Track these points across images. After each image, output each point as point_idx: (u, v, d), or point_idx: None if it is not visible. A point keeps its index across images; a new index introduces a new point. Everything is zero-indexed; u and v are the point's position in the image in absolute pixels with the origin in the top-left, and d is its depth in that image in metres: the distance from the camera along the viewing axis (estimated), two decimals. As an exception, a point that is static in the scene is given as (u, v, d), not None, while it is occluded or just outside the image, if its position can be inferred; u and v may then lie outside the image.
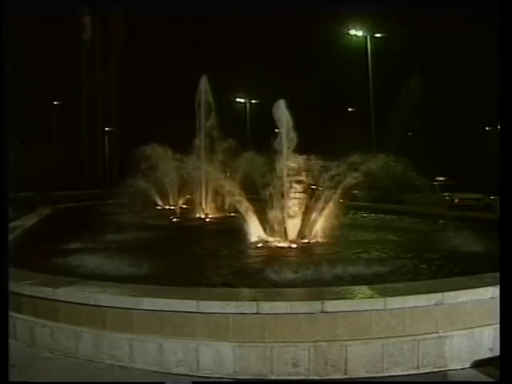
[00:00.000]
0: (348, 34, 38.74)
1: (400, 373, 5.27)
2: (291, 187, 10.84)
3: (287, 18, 48.86)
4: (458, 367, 5.35)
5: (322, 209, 10.86)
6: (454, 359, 5.37)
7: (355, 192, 17.66)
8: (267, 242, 10.54)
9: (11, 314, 5.79)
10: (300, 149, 11.20)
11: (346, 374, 5.24)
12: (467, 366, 5.37)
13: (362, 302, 5.41)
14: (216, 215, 17.96)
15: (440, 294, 5.45)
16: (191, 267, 8.35)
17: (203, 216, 18.02)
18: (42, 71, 41.96)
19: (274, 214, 10.75)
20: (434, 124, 37.00)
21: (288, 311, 5.32)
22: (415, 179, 11.03)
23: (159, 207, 21.49)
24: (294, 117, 11.39)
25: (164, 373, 5.38)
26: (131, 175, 17.34)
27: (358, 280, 6.96)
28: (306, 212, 10.82)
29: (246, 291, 5.91)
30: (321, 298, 5.43)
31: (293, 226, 10.71)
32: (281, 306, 5.35)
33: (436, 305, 5.43)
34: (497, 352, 5.18)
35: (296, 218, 10.76)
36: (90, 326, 5.80)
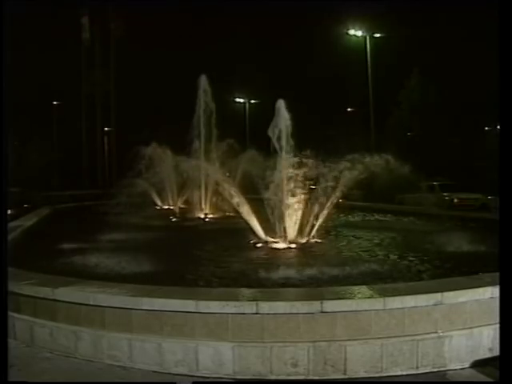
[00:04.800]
0: (347, 34, 38.75)
1: (399, 373, 5.27)
2: (290, 187, 10.83)
3: (287, 18, 48.91)
4: (458, 367, 5.35)
5: (321, 209, 10.86)
6: (454, 359, 5.37)
7: (354, 192, 17.66)
8: (266, 242, 10.53)
9: (10, 314, 5.78)
10: (299, 149, 11.19)
11: (345, 373, 5.24)
12: (467, 365, 5.37)
13: (362, 302, 5.40)
14: (215, 215, 17.95)
15: (439, 294, 5.45)
16: (190, 267, 8.35)
17: (202, 216, 18.01)
18: (41, 71, 41.94)
19: (273, 214, 10.75)
20: (433, 124, 37.00)
21: (287, 311, 5.32)
22: (415, 179, 11.04)
23: (158, 207, 21.49)
24: (293, 117, 11.39)
25: (163, 373, 5.38)
26: (131, 175, 17.38)
27: (355, 280, 6.98)
28: (305, 212, 10.81)
29: (246, 291, 5.89)
30: (320, 297, 5.43)
31: (292, 226, 10.70)
32: (280, 306, 5.35)
33: (435, 305, 5.43)
34: (496, 352, 5.18)
35: (295, 218, 10.75)
36: (90, 325, 5.79)
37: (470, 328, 5.48)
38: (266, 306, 5.32)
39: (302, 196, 10.86)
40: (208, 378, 5.30)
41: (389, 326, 5.36)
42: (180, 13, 47.97)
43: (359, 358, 5.26)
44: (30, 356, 5.82)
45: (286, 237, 10.57)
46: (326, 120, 44.65)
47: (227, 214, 16.46)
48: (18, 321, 6.17)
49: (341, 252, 9.84)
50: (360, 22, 37.92)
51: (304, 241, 10.61)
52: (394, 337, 5.34)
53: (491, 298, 5.47)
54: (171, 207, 20.78)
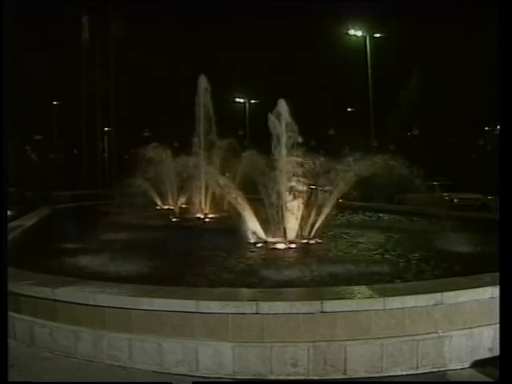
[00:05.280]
0: (347, 34, 38.75)
1: (399, 373, 5.27)
2: (290, 187, 10.82)
3: (287, 19, 48.94)
4: (458, 367, 5.35)
5: (321, 209, 10.85)
6: (454, 359, 5.37)
7: (354, 192, 17.67)
8: (266, 241, 10.53)
9: (10, 314, 5.78)
10: (300, 149, 11.18)
11: (345, 374, 5.24)
12: (467, 365, 5.37)
13: (362, 302, 5.40)
14: (215, 215, 17.94)
15: (439, 294, 5.45)
16: (190, 267, 8.34)
17: (202, 216, 18.00)
18: (41, 71, 41.96)
19: (273, 214, 10.74)
20: (433, 124, 37.01)
21: (287, 311, 5.32)
22: (415, 179, 11.04)
23: (158, 207, 21.48)
24: (293, 117, 11.38)
25: (163, 373, 5.38)
26: (131, 175, 17.38)
27: (356, 280, 6.97)
28: (305, 212, 10.80)
29: (246, 291, 5.90)
30: (320, 297, 5.43)
31: (292, 225, 10.70)
32: (280, 306, 5.34)
33: (435, 305, 5.44)
34: (496, 352, 5.18)
35: (295, 217, 10.74)
36: (90, 326, 5.80)
37: (470, 328, 5.48)
38: (265, 306, 5.32)
39: (302, 196, 10.85)
40: (208, 377, 5.30)
41: (389, 326, 5.36)
42: (180, 12, 48.00)
43: (359, 358, 5.26)
44: (30, 356, 5.83)
45: (285, 237, 10.56)
46: (326, 120, 44.67)
47: (227, 213, 16.44)
48: (17, 321, 6.17)
49: (341, 252, 9.82)
50: (360, 23, 37.93)
51: (304, 241, 10.60)
52: (394, 337, 5.34)
53: (491, 298, 5.48)
54: (171, 207, 20.75)
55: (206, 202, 18.67)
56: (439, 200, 21.94)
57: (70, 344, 5.81)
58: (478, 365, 5.34)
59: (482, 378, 5.18)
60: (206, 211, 18.40)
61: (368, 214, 17.09)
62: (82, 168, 49.03)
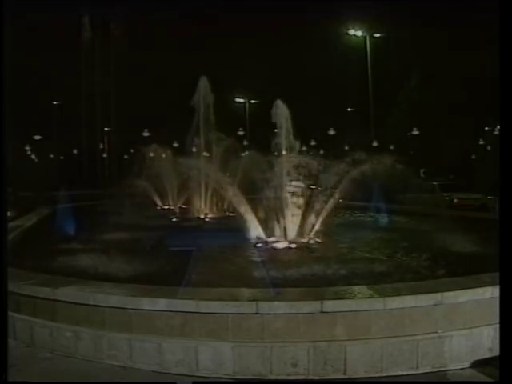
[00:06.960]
0: (347, 34, 38.78)
1: (399, 373, 5.27)
2: (290, 187, 10.82)
3: (287, 19, 48.97)
4: (458, 367, 5.35)
5: (321, 209, 10.85)
6: (454, 359, 5.37)
7: (354, 192, 17.64)
8: (266, 241, 10.53)
9: (10, 314, 5.78)
10: (299, 149, 11.19)
11: (345, 374, 5.25)
12: (466, 365, 5.37)
13: (362, 302, 5.41)
14: (215, 215, 17.94)
15: (439, 294, 5.45)
16: (190, 267, 8.33)
17: (202, 216, 18.00)
18: (41, 71, 41.97)
19: (273, 214, 10.74)
20: (433, 124, 37.02)
21: (287, 311, 5.33)
22: (415, 179, 11.04)
23: (158, 207, 21.46)
24: (293, 117, 11.39)
25: (163, 373, 5.38)
26: (131, 175, 17.38)
27: (355, 280, 6.97)
28: (305, 212, 10.80)
29: (246, 291, 5.89)
30: (320, 297, 5.43)
31: (292, 225, 10.70)
32: (280, 306, 5.35)
33: (435, 305, 5.44)
34: (496, 352, 5.18)
35: (295, 217, 10.74)
36: (89, 326, 5.80)
37: (470, 328, 5.49)
38: (266, 306, 5.32)
39: (302, 196, 10.85)
40: (208, 377, 5.30)
41: (389, 325, 5.36)
42: (180, 12, 48.03)
43: (359, 358, 5.26)
44: (29, 356, 5.83)
45: (285, 236, 10.56)
46: (326, 120, 44.65)
47: (227, 213, 16.44)
48: (18, 321, 6.17)
49: (340, 252, 9.81)
50: (360, 23, 37.96)
51: (304, 240, 10.59)
52: (394, 337, 5.34)
53: (491, 298, 5.48)
54: (171, 207, 20.74)
55: (205, 202, 18.67)
56: (439, 200, 21.97)
57: (70, 344, 5.81)
58: (478, 365, 5.35)
59: (482, 377, 5.18)
60: (206, 211, 18.39)
61: (368, 213, 17.07)
62: (81, 168, 49.01)
